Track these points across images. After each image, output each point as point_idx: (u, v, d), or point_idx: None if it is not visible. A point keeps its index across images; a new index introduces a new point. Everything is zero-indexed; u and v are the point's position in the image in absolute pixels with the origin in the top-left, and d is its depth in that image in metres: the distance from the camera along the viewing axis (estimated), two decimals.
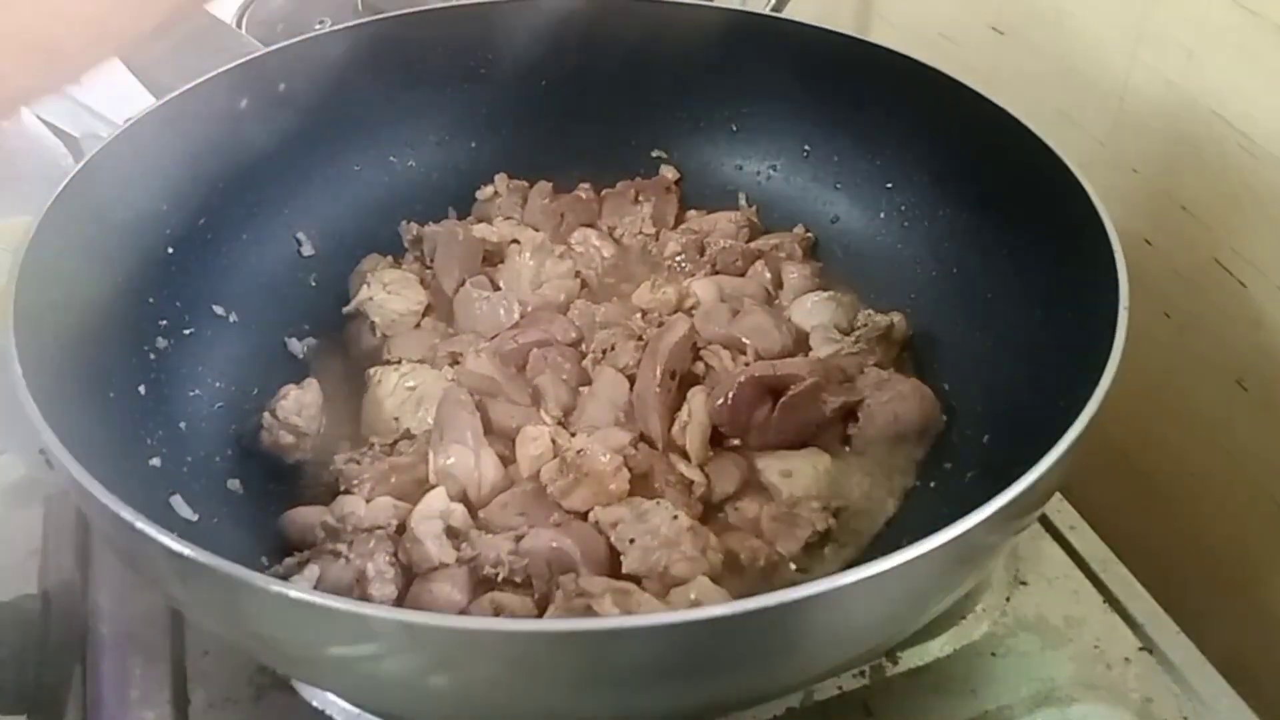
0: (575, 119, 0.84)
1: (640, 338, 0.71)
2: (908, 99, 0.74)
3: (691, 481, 0.64)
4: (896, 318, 0.73)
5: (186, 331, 0.67)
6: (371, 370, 0.70)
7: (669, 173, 0.86)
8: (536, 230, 0.81)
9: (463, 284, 0.76)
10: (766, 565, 0.61)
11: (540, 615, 0.56)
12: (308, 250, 0.78)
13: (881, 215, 0.79)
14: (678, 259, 0.81)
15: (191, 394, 0.66)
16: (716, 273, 0.79)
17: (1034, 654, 0.62)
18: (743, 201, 0.85)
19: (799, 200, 0.83)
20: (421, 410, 0.67)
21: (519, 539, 0.59)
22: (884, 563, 0.42)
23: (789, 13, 0.83)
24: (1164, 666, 0.61)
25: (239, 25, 1.03)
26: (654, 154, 0.86)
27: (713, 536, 0.60)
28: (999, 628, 0.63)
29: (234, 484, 0.63)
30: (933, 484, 0.65)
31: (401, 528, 0.60)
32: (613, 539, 0.59)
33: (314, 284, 0.77)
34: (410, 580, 0.58)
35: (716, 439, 0.67)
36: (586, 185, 0.85)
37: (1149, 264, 0.74)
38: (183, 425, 0.63)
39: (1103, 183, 0.61)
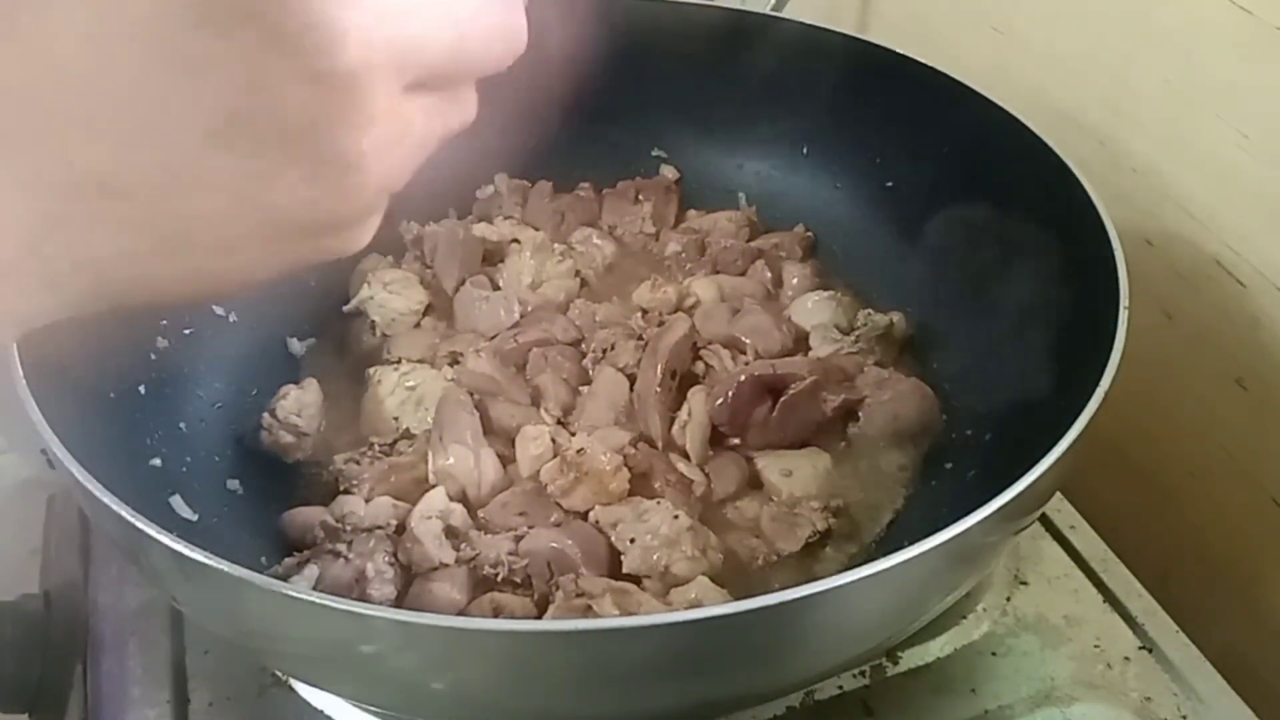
0: (575, 119, 0.84)
1: (640, 337, 0.71)
2: (908, 99, 0.74)
3: (691, 481, 0.64)
4: (896, 317, 0.73)
5: (186, 331, 0.67)
6: (371, 370, 0.70)
7: (669, 172, 0.86)
8: (537, 230, 0.81)
9: (463, 283, 0.76)
10: (766, 565, 0.61)
11: (540, 615, 0.56)
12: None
13: (881, 215, 0.79)
14: (678, 258, 0.81)
15: (191, 394, 0.66)
16: (716, 272, 0.79)
17: (1034, 654, 0.62)
18: (743, 201, 0.85)
19: (799, 200, 0.83)
20: (421, 410, 0.67)
21: (519, 539, 0.59)
22: (884, 563, 0.42)
23: (789, 12, 0.83)
24: (1163, 666, 0.61)
25: None
26: (654, 154, 0.87)
27: (713, 536, 0.60)
28: (999, 627, 0.63)
29: (234, 484, 0.63)
30: (933, 484, 0.65)
31: (401, 527, 0.60)
32: (613, 539, 0.59)
33: (314, 284, 0.77)
34: (410, 580, 0.58)
35: (716, 439, 0.67)
36: (586, 185, 0.85)
37: (1149, 264, 0.74)
38: (183, 425, 0.63)
39: (1103, 183, 0.61)
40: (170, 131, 0.31)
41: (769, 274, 0.78)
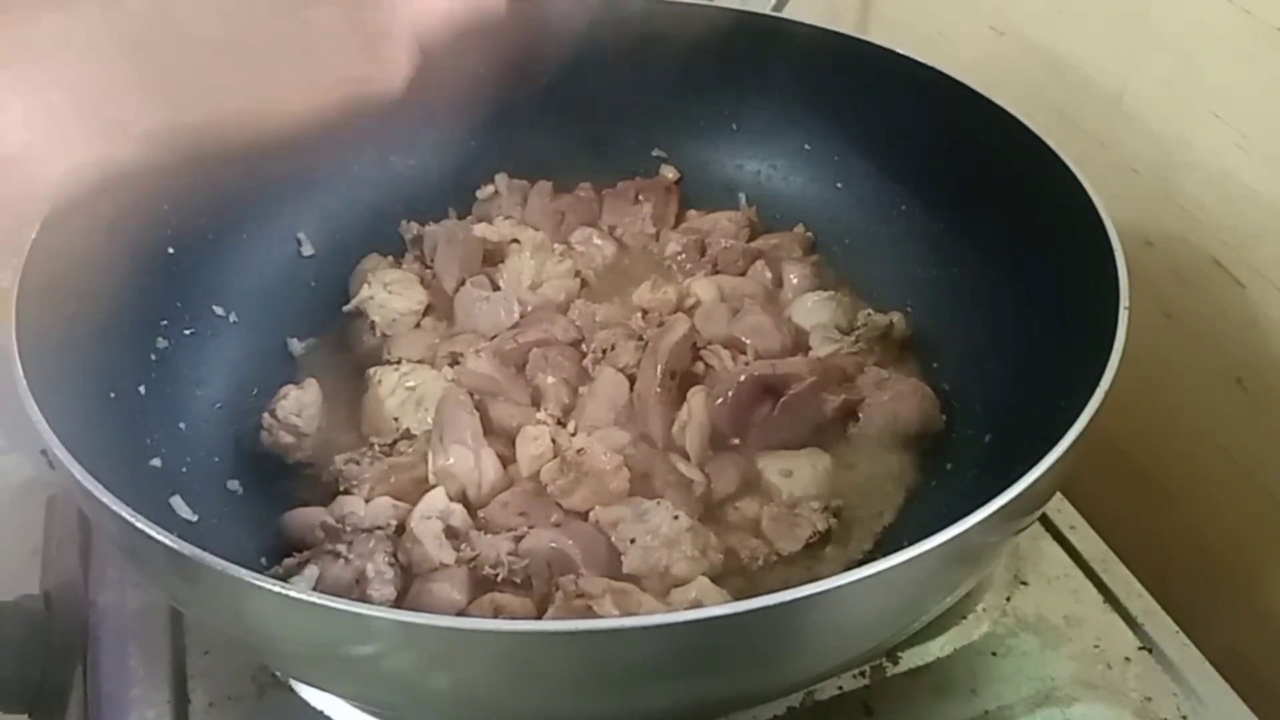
0: (575, 119, 0.84)
1: (640, 337, 0.71)
2: (908, 99, 0.74)
3: (691, 481, 0.64)
4: (896, 317, 0.73)
5: (187, 331, 0.67)
6: (371, 370, 0.70)
7: (669, 172, 0.86)
8: (536, 230, 0.81)
9: (463, 284, 0.76)
10: (766, 565, 0.61)
11: (540, 615, 0.56)
12: (308, 250, 0.78)
13: (881, 215, 0.79)
14: (678, 259, 0.81)
15: (191, 394, 0.66)
16: (716, 272, 0.79)
17: (1034, 654, 0.62)
18: (743, 201, 0.85)
19: (799, 199, 0.83)
20: (421, 410, 0.67)
21: (519, 539, 0.59)
22: (884, 563, 0.42)
23: (789, 12, 0.83)
24: (1163, 666, 0.61)
25: None
26: (654, 154, 0.86)
27: (713, 536, 0.60)
28: (999, 628, 0.63)
29: (234, 484, 0.63)
30: (933, 484, 0.65)
31: (401, 528, 0.60)
32: (613, 539, 0.59)
33: (314, 284, 0.77)
34: (410, 580, 0.58)
35: (716, 439, 0.67)
36: (586, 185, 0.85)
37: (1149, 264, 0.74)
38: (183, 425, 0.63)
39: (1103, 183, 0.61)
40: None
41: (769, 274, 0.78)
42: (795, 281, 0.78)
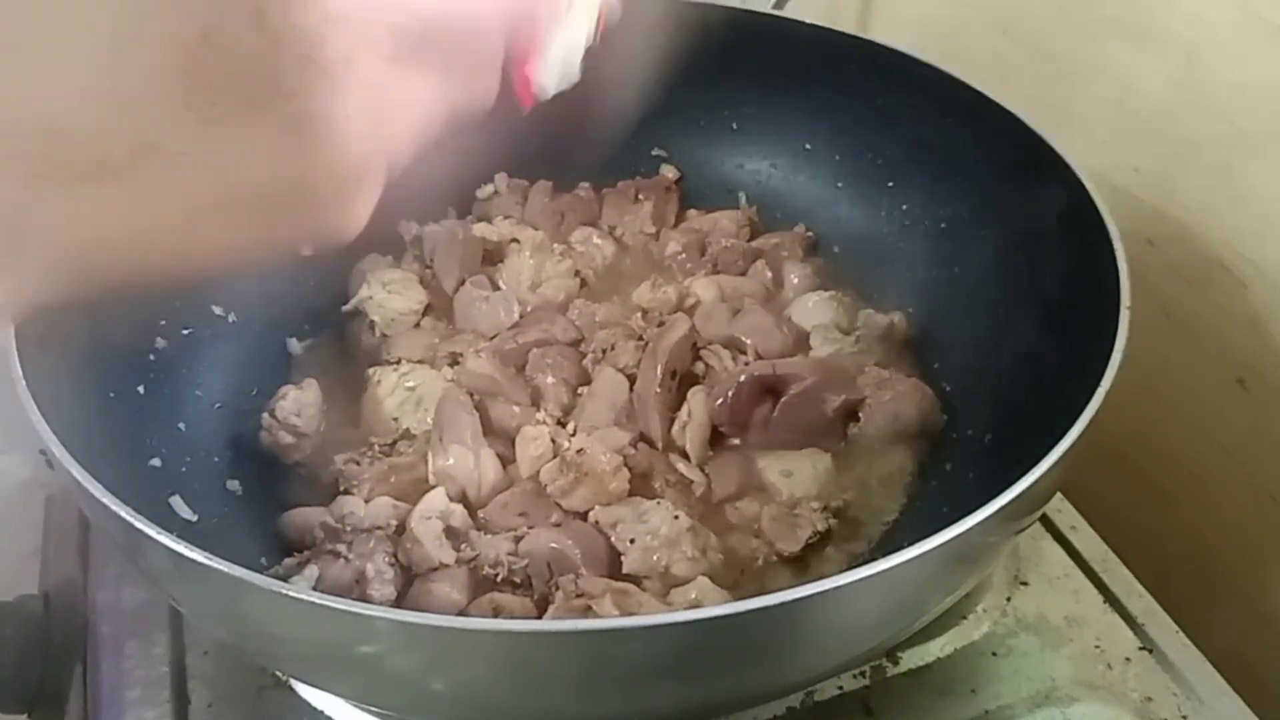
0: (575, 118, 0.83)
1: (640, 337, 0.71)
2: (908, 98, 0.74)
3: (691, 481, 0.64)
4: (896, 318, 0.73)
5: (186, 331, 0.67)
6: (371, 370, 0.70)
7: (669, 172, 0.86)
8: (536, 229, 0.81)
9: (463, 283, 0.76)
10: (766, 565, 0.61)
11: (540, 616, 0.56)
12: (307, 250, 0.77)
13: (881, 215, 0.79)
14: (678, 258, 0.81)
15: (191, 394, 0.66)
16: (717, 272, 0.79)
17: (1034, 654, 0.62)
18: (743, 201, 0.85)
19: (799, 199, 0.83)
20: (421, 410, 0.67)
21: (519, 539, 0.59)
22: (884, 563, 0.42)
23: (790, 11, 0.83)
24: (1164, 666, 0.61)
25: None
26: (654, 153, 0.86)
27: (713, 536, 0.60)
28: (999, 628, 0.63)
29: (234, 484, 0.63)
30: (933, 484, 0.65)
31: (401, 528, 0.60)
32: (613, 539, 0.59)
33: (313, 284, 0.77)
34: (410, 580, 0.58)
35: (716, 439, 0.67)
36: (586, 184, 0.85)
37: (1149, 264, 0.74)
38: (182, 425, 0.63)
39: (1103, 183, 0.61)
40: (127, 81, 0.29)
41: (769, 274, 0.78)
42: (796, 281, 0.78)
